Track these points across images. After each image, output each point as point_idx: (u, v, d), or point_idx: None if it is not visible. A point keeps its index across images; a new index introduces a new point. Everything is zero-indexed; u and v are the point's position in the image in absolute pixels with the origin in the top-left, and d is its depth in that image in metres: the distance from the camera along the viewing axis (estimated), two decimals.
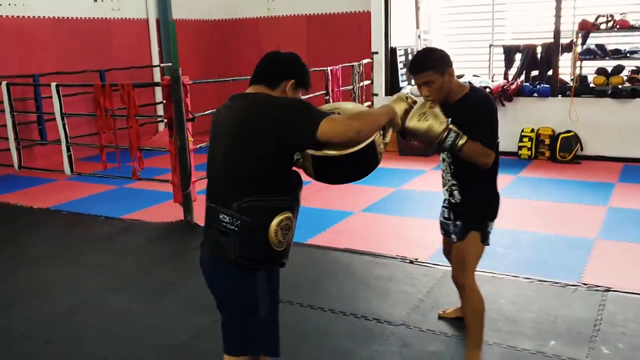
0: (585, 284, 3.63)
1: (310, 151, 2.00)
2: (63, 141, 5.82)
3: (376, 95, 8.25)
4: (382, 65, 8.18)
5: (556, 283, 3.66)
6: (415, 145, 7.43)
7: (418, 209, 5.38)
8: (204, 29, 9.79)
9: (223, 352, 2.17)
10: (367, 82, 8.05)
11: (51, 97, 5.76)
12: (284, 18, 9.52)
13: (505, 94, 7.47)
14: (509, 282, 3.72)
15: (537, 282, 3.69)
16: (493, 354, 2.89)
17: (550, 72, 7.55)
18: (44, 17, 7.57)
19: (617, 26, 7.14)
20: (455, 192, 2.67)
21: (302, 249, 4.26)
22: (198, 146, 5.41)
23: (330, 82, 7.10)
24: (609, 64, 7.31)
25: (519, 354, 2.90)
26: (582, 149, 7.13)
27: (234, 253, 1.97)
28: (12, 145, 6.42)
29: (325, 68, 7.07)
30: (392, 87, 8.26)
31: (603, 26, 7.19)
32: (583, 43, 7.35)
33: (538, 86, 7.47)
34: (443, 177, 2.76)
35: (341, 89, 7.39)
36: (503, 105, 7.45)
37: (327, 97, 7.16)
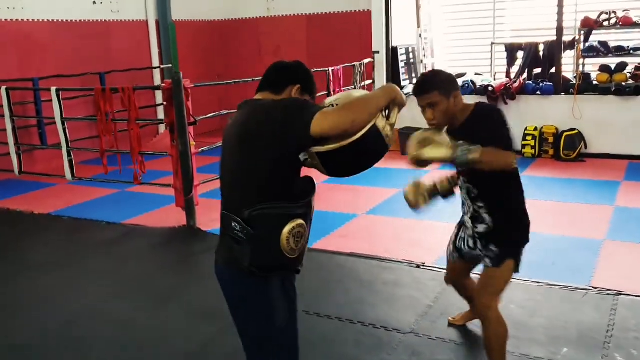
0: (596, 288, 3.58)
1: (314, 148, 1.95)
2: (64, 146, 5.77)
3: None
4: (383, 65, 8.12)
5: (566, 287, 3.61)
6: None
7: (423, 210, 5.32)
8: (203, 30, 9.73)
9: None
10: (368, 82, 7.99)
11: (51, 100, 5.71)
12: (284, 18, 9.46)
13: (508, 93, 7.42)
14: (517, 286, 3.64)
15: (547, 286, 3.64)
16: None
17: (552, 70, 7.50)
18: (43, 20, 7.50)
19: (620, 23, 7.08)
20: (485, 215, 2.54)
21: (307, 254, 4.19)
22: (200, 150, 5.36)
23: (331, 83, 7.04)
24: (612, 61, 7.25)
25: None
26: (586, 147, 7.08)
27: (247, 261, 1.96)
28: (12, 150, 6.36)
29: (327, 68, 7.01)
30: None
31: (606, 23, 7.13)
32: (586, 40, 7.29)
33: (541, 84, 7.41)
34: (464, 203, 2.67)
35: (343, 89, 7.33)
36: (506, 103, 7.40)
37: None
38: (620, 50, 7.19)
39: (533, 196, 5.77)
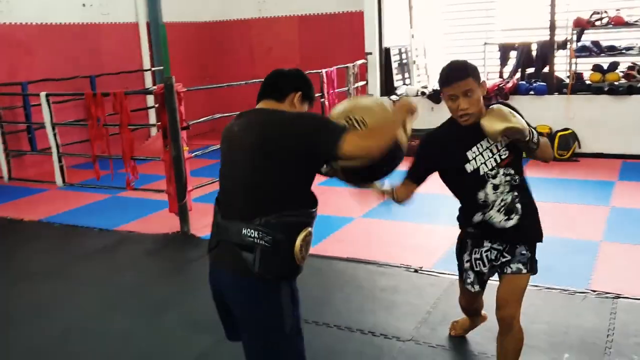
0: (595, 291, 3.56)
1: (341, 163, 2.05)
2: (54, 151, 5.68)
3: (371, 96, 8.16)
4: (376, 66, 8.09)
5: (564, 291, 3.59)
6: (413, 145, 7.36)
7: (419, 213, 5.28)
8: (194, 31, 9.65)
9: None
10: (362, 83, 7.96)
11: (40, 104, 5.62)
12: (275, 19, 9.40)
13: (501, 93, 7.41)
14: None
15: (545, 290, 3.61)
16: None
17: (545, 70, 7.50)
18: (31, 23, 7.40)
19: (612, 23, 7.10)
20: (518, 205, 2.40)
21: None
22: (194, 155, 5.30)
23: (325, 85, 7.00)
24: (604, 61, 7.27)
25: None
26: (580, 147, 7.09)
27: (259, 268, 1.96)
28: (1, 156, 6.27)
29: (320, 70, 6.97)
30: (387, 87, 8.17)
31: (598, 23, 7.14)
32: (578, 40, 7.30)
33: (534, 84, 7.41)
34: (492, 202, 2.40)
35: (336, 90, 7.29)
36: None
37: (322, 100, 7.06)
38: (612, 50, 7.21)
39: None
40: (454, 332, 3.12)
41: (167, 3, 8.88)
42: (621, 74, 7.11)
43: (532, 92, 7.39)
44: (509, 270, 2.45)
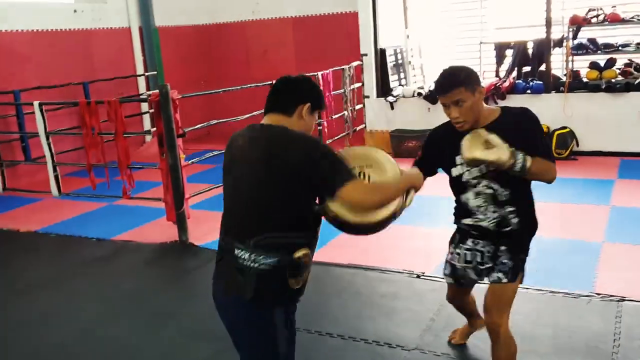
0: (599, 294, 3.53)
1: (332, 207, 1.99)
2: (49, 161, 5.61)
3: (367, 97, 8.12)
4: (372, 67, 8.04)
5: (568, 294, 3.56)
6: (410, 146, 7.33)
7: (418, 215, 5.24)
8: (188, 35, 9.59)
9: None
10: (357, 85, 7.91)
11: (34, 112, 5.55)
12: (269, 21, 9.35)
13: (498, 92, 7.38)
14: (519, 294, 3.50)
15: (549, 294, 3.58)
16: None
17: (542, 68, 7.46)
18: (22, 30, 7.32)
19: (608, 20, 7.07)
20: (514, 220, 2.42)
21: None
22: (190, 162, 5.25)
23: (321, 87, 6.94)
24: (601, 58, 7.24)
25: None
26: (577, 145, 7.06)
27: (251, 291, 1.90)
28: None
29: (316, 73, 6.91)
30: (383, 88, 8.13)
31: (594, 20, 7.11)
32: (574, 37, 7.27)
33: (531, 83, 7.38)
34: (476, 213, 2.46)
35: (332, 93, 7.24)
36: (496, 103, 7.35)
37: None
38: (608, 47, 7.18)
39: None
40: (454, 341, 3.09)
41: (159, 7, 8.82)
42: (618, 71, 7.08)
43: (529, 91, 7.35)
44: (490, 279, 2.51)
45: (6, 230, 5.58)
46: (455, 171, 2.47)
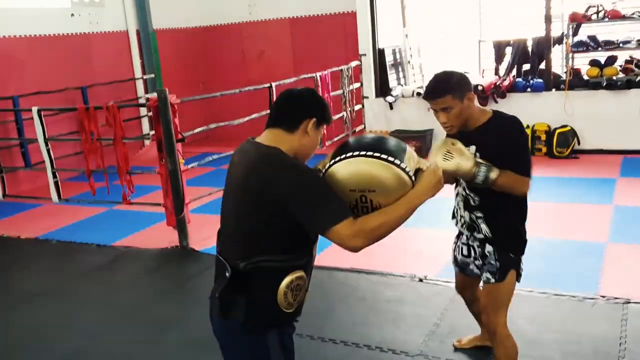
0: (604, 297, 3.50)
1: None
2: (48, 167, 5.57)
3: (366, 98, 8.09)
4: (370, 67, 8.01)
5: (573, 297, 3.53)
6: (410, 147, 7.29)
7: (421, 217, 5.21)
8: (185, 38, 9.54)
9: None
10: (356, 85, 7.88)
11: (33, 118, 5.51)
12: (266, 22, 9.30)
13: (498, 91, 7.34)
14: (523, 298, 3.55)
15: (554, 297, 3.55)
16: None
17: (542, 66, 7.42)
18: (19, 36, 7.28)
19: (608, 16, 7.03)
20: (483, 226, 2.45)
21: None
22: (190, 166, 5.21)
23: (320, 89, 6.92)
24: (601, 55, 7.20)
25: None
26: (579, 143, 7.02)
27: (242, 316, 1.85)
28: None
29: (314, 74, 6.88)
30: (382, 89, 8.10)
31: (594, 17, 7.07)
32: (574, 35, 7.23)
33: (531, 81, 7.34)
34: (455, 213, 2.59)
35: (331, 94, 7.21)
36: (496, 102, 7.32)
37: None
38: (609, 44, 7.13)
39: (528, 197, 5.77)
40: (458, 345, 3.08)
41: (156, 10, 8.78)
42: (619, 68, 7.04)
43: (529, 90, 7.31)
44: (482, 279, 2.54)
45: (7, 237, 5.54)
46: None
